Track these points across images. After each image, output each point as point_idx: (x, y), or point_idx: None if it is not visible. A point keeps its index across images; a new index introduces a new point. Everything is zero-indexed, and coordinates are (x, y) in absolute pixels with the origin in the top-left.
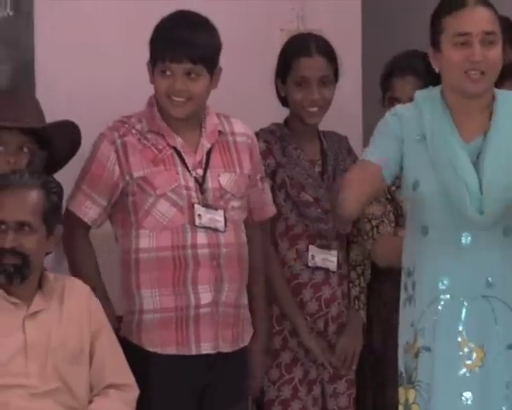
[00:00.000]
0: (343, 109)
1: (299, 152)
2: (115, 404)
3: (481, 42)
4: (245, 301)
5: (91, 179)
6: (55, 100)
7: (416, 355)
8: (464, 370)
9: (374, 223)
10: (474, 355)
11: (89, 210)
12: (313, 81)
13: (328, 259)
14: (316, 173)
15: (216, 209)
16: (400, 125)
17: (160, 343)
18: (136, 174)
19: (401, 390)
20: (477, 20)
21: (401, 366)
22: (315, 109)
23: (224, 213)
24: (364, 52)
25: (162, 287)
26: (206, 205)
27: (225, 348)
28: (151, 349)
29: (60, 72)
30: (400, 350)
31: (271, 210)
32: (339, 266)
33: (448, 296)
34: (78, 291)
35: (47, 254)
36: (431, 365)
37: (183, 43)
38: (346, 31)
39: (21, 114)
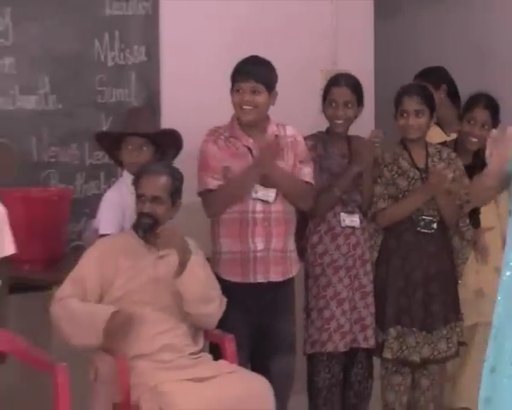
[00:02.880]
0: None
1: (333, 149)
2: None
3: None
4: (291, 247)
5: (211, 165)
6: (174, 115)
7: None
8: None
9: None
10: None
11: (212, 181)
12: (340, 103)
13: (353, 220)
14: (345, 163)
15: (269, 188)
16: None
17: (231, 274)
18: (223, 164)
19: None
20: None
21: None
22: (340, 122)
23: (276, 189)
24: (376, 84)
25: (233, 237)
26: (262, 184)
27: (276, 279)
28: (225, 278)
29: (176, 96)
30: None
31: (307, 179)
32: (361, 222)
33: None
34: (191, 243)
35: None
36: None
37: (250, 70)
38: (362, 70)
39: (143, 125)
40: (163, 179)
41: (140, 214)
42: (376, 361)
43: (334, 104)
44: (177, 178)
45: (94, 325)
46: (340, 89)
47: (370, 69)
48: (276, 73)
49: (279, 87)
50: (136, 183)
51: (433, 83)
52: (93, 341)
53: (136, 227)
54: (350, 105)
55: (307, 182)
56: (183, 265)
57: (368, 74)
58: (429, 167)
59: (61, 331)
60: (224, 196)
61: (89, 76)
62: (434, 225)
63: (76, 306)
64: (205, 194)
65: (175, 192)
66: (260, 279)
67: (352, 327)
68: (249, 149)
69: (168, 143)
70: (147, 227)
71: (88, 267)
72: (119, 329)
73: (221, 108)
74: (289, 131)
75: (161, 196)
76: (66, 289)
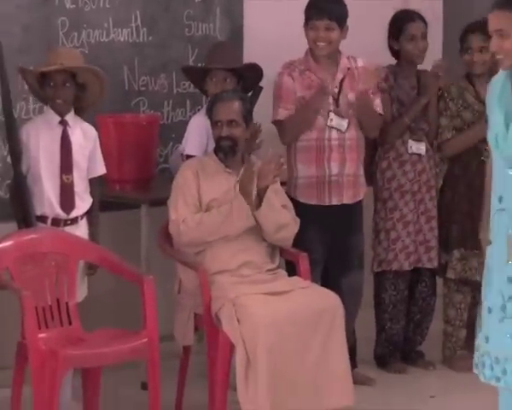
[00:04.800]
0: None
1: (404, 81)
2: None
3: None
4: (361, 172)
5: (284, 96)
6: (256, 49)
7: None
8: None
9: None
10: None
11: (284, 111)
12: (418, 36)
13: (419, 147)
14: (414, 94)
15: (343, 117)
16: None
17: (307, 197)
18: (298, 95)
19: None
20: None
21: None
22: (422, 54)
23: (348, 119)
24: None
25: (309, 163)
26: (337, 113)
27: (348, 201)
28: (301, 200)
29: (258, 30)
30: None
31: (378, 110)
32: (427, 151)
33: None
34: None
35: (246, 140)
36: None
37: (324, 7)
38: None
39: (226, 59)
40: (236, 104)
41: (219, 138)
42: (439, 280)
43: (411, 38)
44: (247, 101)
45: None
46: (416, 23)
47: (439, 5)
48: (347, 9)
49: (354, 23)
50: (211, 112)
51: None
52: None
53: (217, 151)
54: (423, 37)
55: (379, 113)
56: (260, 197)
57: (437, 10)
58: None
59: (200, 241)
60: (292, 125)
61: (177, 11)
62: None
63: (200, 217)
64: (277, 123)
65: (247, 114)
66: (334, 202)
67: (417, 248)
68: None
69: (250, 75)
70: (227, 149)
71: (188, 186)
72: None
73: (301, 42)
74: (360, 63)
75: (236, 118)
76: (181, 212)
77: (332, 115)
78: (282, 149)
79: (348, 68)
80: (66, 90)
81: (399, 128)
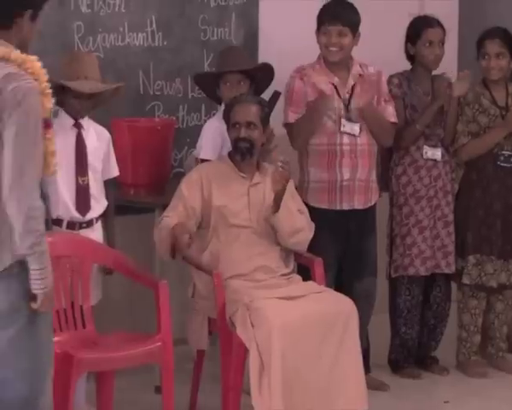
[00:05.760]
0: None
1: (417, 87)
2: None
3: None
4: (373, 177)
5: (294, 100)
6: (271, 53)
7: None
8: None
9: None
10: None
11: (294, 115)
12: (436, 43)
13: (435, 153)
14: (427, 100)
15: (355, 122)
16: None
17: (318, 201)
18: (309, 99)
19: None
20: None
21: None
22: (437, 61)
23: (360, 124)
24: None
25: (321, 167)
26: (348, 119)
27: (359, 207)
28: (312, 204)
29: (273, 35)
30: None
31: (392, 119)
32: (442, 156)
33: None
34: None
35: (262, 144)
36: None
37: (337, 13)
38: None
39: (239, 62)
40: (254, 107)
41: (236, 140)
42: (454, 285)
43: (428, 44)
44: (265, 105)
45: (163, 239)
46: (435, 30)
47: (455, 12)
48: (360, 16)
49: (369, 30)
50: (228, 114)
51: None
52: (166, 254)
53: (235, 152)
54: (441, 44)
55: (392, 122)
56: (278, 201)
57: (452, 17)
58: (509, 106)
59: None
60: (298, 129)
61: (193, 15)
62: None
63: (164, 223)
64: (287, 126)
65: (264, 118)
66: (345, 207)
67: (435, 254)
68: (334, 86)
69: (263, 77)
70: (244, 151)
71: (188, 190)
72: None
73: (316, 47)
74: (371, 70)
75: (254, 121)
76: (168, 210)
77: (344, 122)
78: (294, 154)
79: (360, 75)
80: (86, 103)
81: (412, 135)
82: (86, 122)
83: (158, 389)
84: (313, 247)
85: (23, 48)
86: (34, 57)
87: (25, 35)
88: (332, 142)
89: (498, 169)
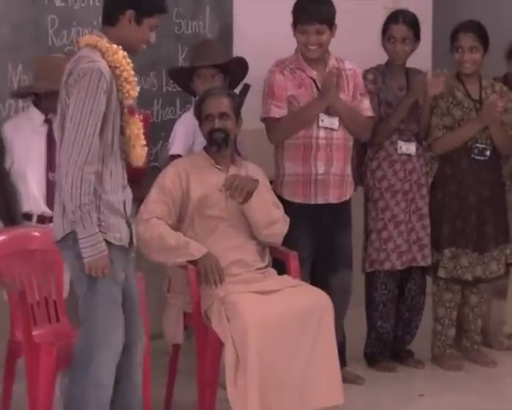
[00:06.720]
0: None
1: (392, 82)
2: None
3: None
4: (348, 171)
5: (277, 94)
6: (245, 47)
7: None
8: None
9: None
10: None
11: (277, 109)
12: (398, 39)
13: (409, 148)
14: (402, 95)
15: (334, 116)
16: None
17: (293, 195)
18: (289, 93)
19: None
20: None
21: None
22: (399, 55)
23: (338, 117)
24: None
25: (296, 161)
26: (327, 113)
27: (334, 200)
28: (287, 198)
29: (247, 29)
30: None
31: (368, 113)
32: (416, 150)
33: None
34: (256, 169)
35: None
36: None
37: (313, 12)
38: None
39: (213, 56)
40: (225, 99)
41: (211, 131)
42: (429, 279)
43: (392, 40)
44: (235, 98)
45: (182, 254)
46: (398, 26)
47: (429, 5)
48: (334, 7)
49: (344, 24)
50: (199, 108)
51: None
52: (172, 263)
53: (210, 144)
54: (407, 41)
55: (367, 116)
56: (250, 192)
57: (427, 10)
58: (483, 99)
59: (145, 249)
60: (289, 125)
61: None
62: (488, 153)
63: (164, 231)
64: (268, 121)
65: (237, 110)
66: (320, 201)
67: (411, 247)
68: (313, 80)
69: (236, 70)
70: (220, 141)
71: (168, 187)
72: (208, 270)
73: (290, 41)
74: (348, 64)
75: (227, 111)
76: (150, 209)
77: (323, 116)
78: (269, 148)
79: (337, 68)
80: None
81: (387, 130)
82: None
83: None
84: (288, 241)
85: (127, 48)
86: (117, 48)
87: (126, 35)
88: (308, 135)
89: (473, 162)
